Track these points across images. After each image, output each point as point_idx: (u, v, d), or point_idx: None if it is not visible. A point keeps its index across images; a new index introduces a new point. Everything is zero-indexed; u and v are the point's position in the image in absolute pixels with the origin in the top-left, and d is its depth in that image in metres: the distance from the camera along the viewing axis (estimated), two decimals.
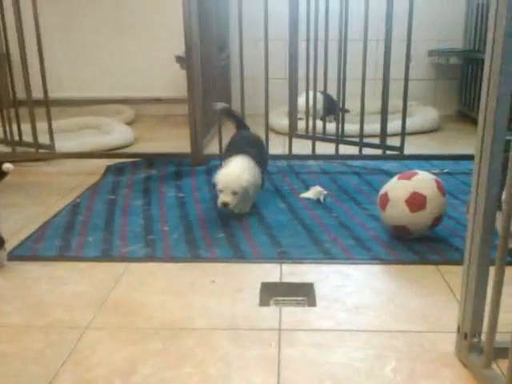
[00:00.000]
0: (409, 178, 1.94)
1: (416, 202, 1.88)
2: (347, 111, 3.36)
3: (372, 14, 2.78)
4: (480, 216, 1.17)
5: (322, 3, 2.88)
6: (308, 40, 3.00)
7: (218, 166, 2.34)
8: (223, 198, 2.13)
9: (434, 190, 1.90)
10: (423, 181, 1.93)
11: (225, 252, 1.89)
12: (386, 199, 1.94)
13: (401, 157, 2.91)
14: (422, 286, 1.64)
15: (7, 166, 1.79)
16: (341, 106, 3.06)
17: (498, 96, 1.08)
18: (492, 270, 1.14)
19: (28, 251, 1.91)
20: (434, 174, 2.01)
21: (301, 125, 3.31)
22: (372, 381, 1.21)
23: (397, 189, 1.94)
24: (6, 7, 2.83)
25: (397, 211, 1.90)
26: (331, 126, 3.15)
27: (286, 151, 3.02)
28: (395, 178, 1.98)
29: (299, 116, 3.34)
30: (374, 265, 1.79)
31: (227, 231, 2.07)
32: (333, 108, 3.44)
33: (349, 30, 2.87)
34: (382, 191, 1.99)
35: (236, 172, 2.16)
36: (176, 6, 2.83)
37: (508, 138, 1.12)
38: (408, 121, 2.98)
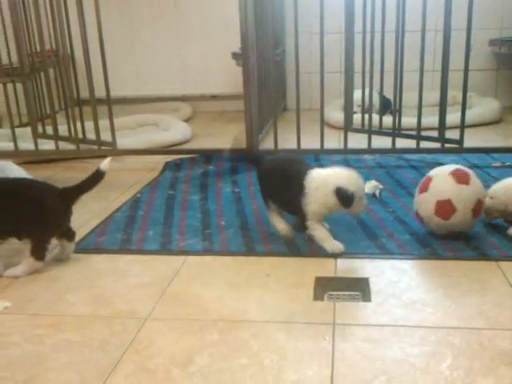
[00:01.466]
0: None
1: (461, 175, 1.85)
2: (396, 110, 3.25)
3: (430, 3, 2.71)
4: None
5: None
6: (364, 32, 2.96)
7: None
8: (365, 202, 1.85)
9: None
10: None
11: (280, 246, 1.91)
12: (428, 180, 1.90)
13: (460, 150, 2.83)
14: (480, 283, 1.61)
15: (104, 164, 1.84)
16: (397, 100, 3.00)
17: None
18: None
19: (92, 244, 2.00)
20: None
21: (356, 119, 3.28)
22: (428, 377, 1.20)
23: (438, 170, 1.93)
24: (70, 10, 2.95)
25: (441, 183, 1.86)
26: (387, 120, 3.11)
27: (342, 145, 3.00)
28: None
29: (354, 109, 3.31)
30: (430, 260, 1.77)
31: None
32: (387, 107, 3.40)
33: (406, 21, 2.81)
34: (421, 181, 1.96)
35: (353, 173, 1.83)
36: (232, 3, 2.86)
37: None
38: (467, 113, 2.90)
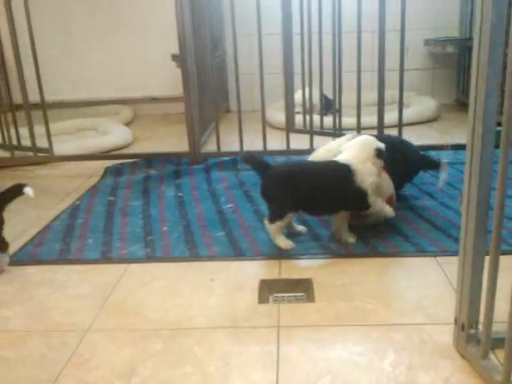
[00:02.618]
0: None
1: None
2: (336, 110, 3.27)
3: (366, 5, 2.77)
4: (473, 206, 1.17)
5: None
6: (302, 34, 2.99)
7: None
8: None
9: None
10: None
11: (224, 250, 1.90)
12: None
13: None
14: (420, 278, 1.64)
15: (29, 190, 1.79)
16: (337, 100, 3.05)
17: (486, 87, 1.08)
18: (487, 260, 1.14)
19: (28, 255, 1.92)
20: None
21: (299, 119, 3.30)
22: (371, 375, 1.22)
23: None
24: None
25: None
26: (329, 120, 3.15)
27: (284, 146, 3.01)
28: None
29: (296, 110, 3.33)
30: (371, 258, 1.79)
31: (226, 229, 2.07)
32: (329, 107, 3.44)
33: (343, 22, 2.86)
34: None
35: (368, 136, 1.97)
36: (170, 4, 2.82)
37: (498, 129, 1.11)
38: (406, 111, 2.97)
